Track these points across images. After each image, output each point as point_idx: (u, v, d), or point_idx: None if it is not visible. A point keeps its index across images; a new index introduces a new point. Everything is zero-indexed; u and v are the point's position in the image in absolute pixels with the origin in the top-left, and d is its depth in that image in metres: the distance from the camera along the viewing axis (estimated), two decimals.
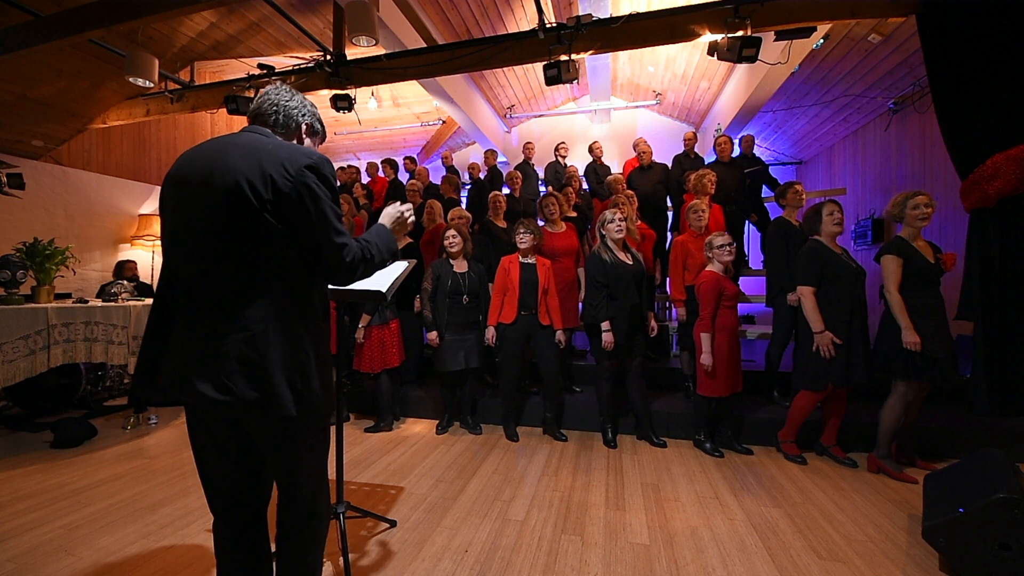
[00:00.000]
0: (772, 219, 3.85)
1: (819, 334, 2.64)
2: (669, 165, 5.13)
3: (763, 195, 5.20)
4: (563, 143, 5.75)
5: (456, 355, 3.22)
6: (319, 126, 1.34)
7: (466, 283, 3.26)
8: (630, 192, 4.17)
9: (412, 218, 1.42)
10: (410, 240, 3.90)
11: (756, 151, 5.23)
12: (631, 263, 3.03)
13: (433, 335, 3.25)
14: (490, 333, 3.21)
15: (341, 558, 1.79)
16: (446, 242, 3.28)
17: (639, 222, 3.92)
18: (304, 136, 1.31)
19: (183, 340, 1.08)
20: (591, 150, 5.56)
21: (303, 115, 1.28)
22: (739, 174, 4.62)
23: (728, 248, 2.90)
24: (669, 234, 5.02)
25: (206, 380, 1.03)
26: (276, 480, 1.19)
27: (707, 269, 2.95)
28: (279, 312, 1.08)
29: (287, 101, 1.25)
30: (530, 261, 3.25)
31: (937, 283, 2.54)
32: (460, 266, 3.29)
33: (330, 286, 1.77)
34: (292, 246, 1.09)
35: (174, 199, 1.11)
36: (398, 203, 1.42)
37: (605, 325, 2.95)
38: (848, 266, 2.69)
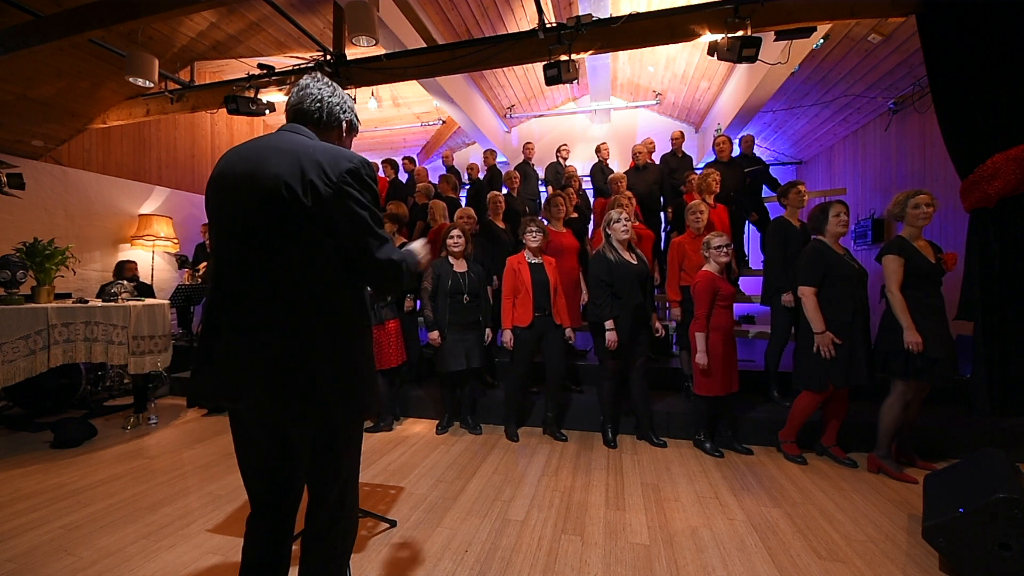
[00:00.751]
0: (772, 219, 3.85)
1: (820, 335, 2.63)
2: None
3: (763, 195, 5.21)
4: (565, 144, 5.75)
5: (458, 355, 3.22)
6: (357, 122, 1.31)
7: (466, 283, 3.26)
8: (630, 192, 4.17)
9: (427, 259, 1.34)
10: (404, 240, 3.90)
11: (756, 151, 5.24)
12: (635, 263, 3.03)
13: (435, 335, 3.24)
14: (507, 336, 3.19)
15: None
16: (450, 241, 3.28)
17: (636, 223, 3.91)
18: (344, 133, 1.27)
19: (232, 345, 1.06)
20: (598, 151, 5.56)
21: (344, 111, 1.25)
22: (739, 173, 4.62)
23: (725, 249, 2.90)
24: (663, 234, 5.02)
25: (258, 386, 1.04)
26: (310, 481, 1.18)
27: (703, 269, 2.95)
28: (328, 317, 1.08)
29: (330, 96, 1.21)
30: (537, 261, 3.25)
31: (938, 283, 2.54)
32: (460, 266, 3.30)
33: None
34: (336, 251, 1.08)
35: (217, 203, 1.11)
36: (423, 241, 1.36)
37: (609, 324, 2.94)
38: (851, 267, 2.69)
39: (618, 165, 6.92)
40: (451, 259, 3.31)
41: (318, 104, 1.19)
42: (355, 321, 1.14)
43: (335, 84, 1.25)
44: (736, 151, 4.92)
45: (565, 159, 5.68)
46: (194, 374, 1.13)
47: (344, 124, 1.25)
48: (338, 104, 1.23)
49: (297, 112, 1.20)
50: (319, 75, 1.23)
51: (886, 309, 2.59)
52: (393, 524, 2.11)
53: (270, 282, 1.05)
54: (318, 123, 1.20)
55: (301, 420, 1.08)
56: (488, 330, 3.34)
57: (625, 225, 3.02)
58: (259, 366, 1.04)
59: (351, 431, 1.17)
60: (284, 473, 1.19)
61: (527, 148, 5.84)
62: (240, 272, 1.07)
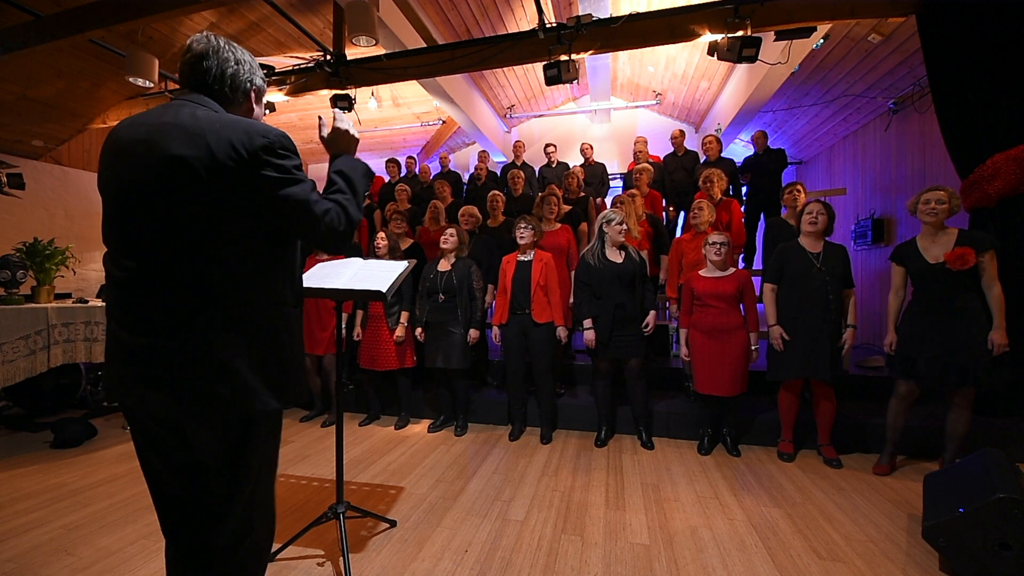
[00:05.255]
0: (768, 219, 3.86)
1: (770, 327, 2.79)
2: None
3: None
4: (551, 144, 5.73)
5: (434, 353, 3.26)
6: (263, 82, 1.16)
7: (442, 282, 3.25)
8: (634, 191, 4.17)
9: (343, 124, 1.22)
10: (411, 240, 3.90)
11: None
12: (619, 262, 2.99)
13: (418, 331, 3.35)
14: (495, 332, 3.28)
15: (341, 558, 1.79)
16: (441, 238, 3.31)
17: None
18: (253, 103, 1.14)
19: (132, 343, 0.95)
20: (581, 151, 5.59)
21: (250, 79, 1.11)
22: (725, 172, 4.60)
23: (715, 247, 2.88)
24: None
25: (165, 385, 0.93)
26: (216, 487, 1.03)
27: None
28: (243, 305, 0.98)
29: (232, 66, 1.07)
30: (526, 258, 3.25)
31: (941, 282, 2.45)
32: (444, 265, 3.30)
33: (327, 285, 1.77)
34: (253, 232, 0.99)
35: (108, 185, 0.98)
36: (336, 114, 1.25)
37: (587, 323, 2.99)
38: (811, 266, 2.72)
39: (617, 165, 6.90)
40: (440, 258, 3.32)
41: (218, 77, 1.06)
42: (279, 307, 1.05)
43: (233, 46, 1.09)
44: (723, 150, 4.91)
45: (551, 158, 5.67)
46: (108, 372, 1.03)
47: (252, 92, 1.13)
48: (243, 72, 1.09)
49: (196, 85, 1.06)
50: (214, 39, 1.07)
51: None
52: (393, 524, 2.11)
53: (168, 267, 0.94)
54: (222, 98, 1.07)
55: (210, 418, 0.98)
56: (472, 331, 3.24)
57: (618, 228, 3.00)
58: (176, 368, 0.94)
59: (262, 427, 1.05)
60: (197, 493, 1.04)
61: (517, 147, 5.84)
62: (136, 259, 0.95)
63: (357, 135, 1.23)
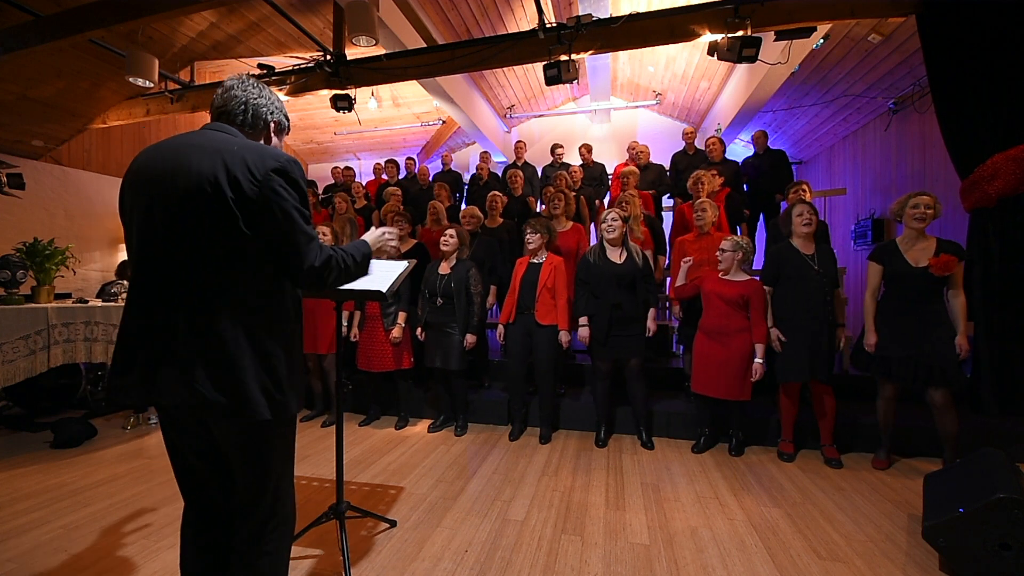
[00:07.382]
0: (771, 220, 3.85)
1: (769, 329, 2.81)
2: (667, 165, 5.14)
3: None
4: (559, 144, 5.70)
5: (432, 354, 3.28)
6: (286, 122, 1.30)
7: (440, 284, 3.25)
8: (633, 192, 4.17)
9: (393, 242, 1.49)
10: (415, 241, 3.90)
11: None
12: (619, 262, 3.00)
13: (419, 330, 3.37)
14: (499, 330, 3.32)
15: (341, 558, 1.79)
16: (441, 239, 3.31)
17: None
18: (272, 135, 1.26)
19: (152, 344, 1.04)
20: (580, 153, 5.58)
21: (271, 112, 1.23)
22: (731, 173, 4.60)
23: (721, 254, 2.90)
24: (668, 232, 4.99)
25: (175, 383, 1.02)
26: (241, 481, 1.15)
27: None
28: (251, 316, 1.06)
29: (256, 98, 1.19)
30: (537, 261, 3.26)
31: (918, 285, 2.50)
32: (445, 267, 3.30)
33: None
34: (262, 250, 1.07)
35: (135, 202, 1.09)
36: (384, 228, 1.49)
37: (583, 320, 3.03)
38: (809, 268, 2.73)
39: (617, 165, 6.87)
40: (443, 259, 3.33)
41: (242, 106, 1.18)
42: (284, 324, 1.13)
43: (263, 85, 1.23)
44: (726, 151, 4.89)
45: (560, 159, 5.64)
46: (114, 373, 1.09)
47: (272, 125, 1.24)
48: (264, 105, 1.21)
49: (221, 113, 1.18)
50: (245, 77, 1.22)
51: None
52: (393, 524, 2.11)
53: (199, 286, 1.03)
54: (243, 124, 1.19)
55: (223, 419, 1.07)
56: (468, 336, 3.20)
57: (611, 225, 3.03)
58: (185, 368, 1.02)
59: (278, 428, 1.14)
60: (225, 474, 1.18)
61: (518, 147, 5.82)
62: (167, 275, 1.05)
63: (385, 244, 1.48)
